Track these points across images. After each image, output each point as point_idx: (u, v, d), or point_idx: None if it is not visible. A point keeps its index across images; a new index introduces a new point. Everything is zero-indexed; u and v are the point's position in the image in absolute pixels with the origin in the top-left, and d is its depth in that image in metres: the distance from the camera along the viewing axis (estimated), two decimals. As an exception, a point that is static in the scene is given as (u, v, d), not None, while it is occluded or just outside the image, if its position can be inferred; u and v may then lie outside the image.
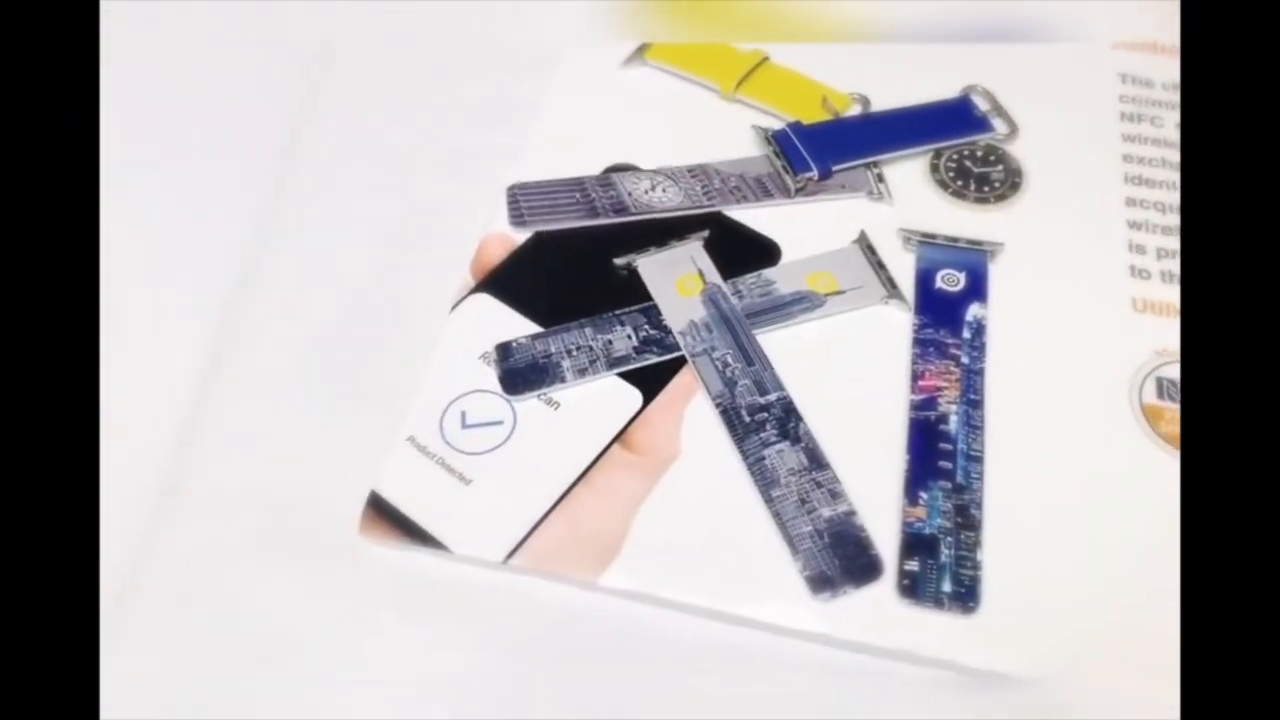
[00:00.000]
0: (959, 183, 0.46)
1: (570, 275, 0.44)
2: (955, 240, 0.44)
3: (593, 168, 0.47)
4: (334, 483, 0.39)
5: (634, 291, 0.44)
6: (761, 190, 0.46)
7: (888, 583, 0.36)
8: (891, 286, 0.43)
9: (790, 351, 0.41)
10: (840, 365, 0.41)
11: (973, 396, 0.40)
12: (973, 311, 0.42)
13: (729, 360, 0.41)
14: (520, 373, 0.41)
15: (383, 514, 0.39)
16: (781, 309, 0.42)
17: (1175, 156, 0.46)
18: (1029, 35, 0.50)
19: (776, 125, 0.48)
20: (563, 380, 0.41)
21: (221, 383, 0.42)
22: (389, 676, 0.36)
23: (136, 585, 0.38)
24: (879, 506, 0.37)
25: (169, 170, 0.48)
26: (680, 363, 0.41)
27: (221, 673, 0.36)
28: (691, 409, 0.40)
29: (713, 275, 0.44)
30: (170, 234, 0.46)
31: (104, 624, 0.36)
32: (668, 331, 0.42)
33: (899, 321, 0.42)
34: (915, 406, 0.40)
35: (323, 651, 0.37)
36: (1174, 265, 0.43)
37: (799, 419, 0.39)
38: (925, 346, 0.41)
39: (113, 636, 0.37)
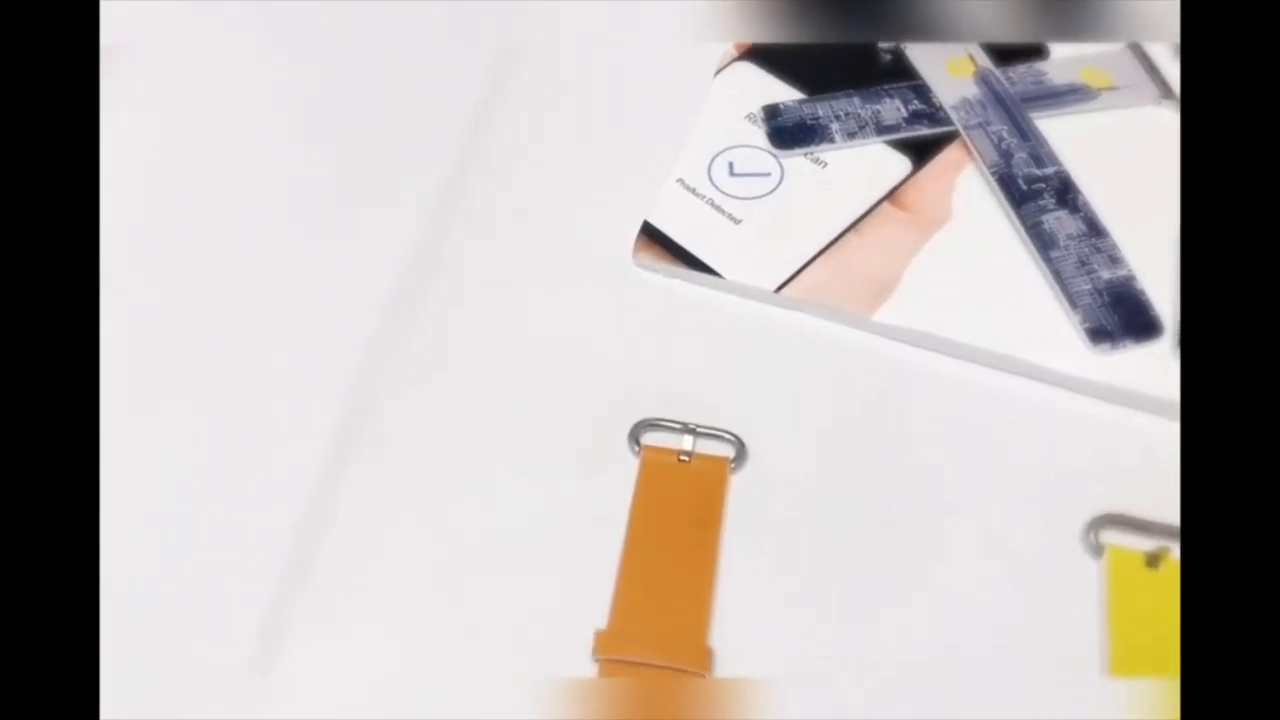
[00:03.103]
0: None
1: (831, 51, 0.45)
2: (1230, 54, 0.44)
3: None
4: (607, 214, 0.41)
5: (895, 75, 0.44)
6: (1029, -7, 0.46)
7: (1166, 342, 0.36)
8: (1165, 88, 0.43)
9: (1062, 140, 0.41)
10: (1112, 153, 0.41)
11: (1252, 191, 0.40)
12: (1249, 118, 0.42)
13: (1004, 135, 0.41)
14: (789, 130, 0.42)
15: (655, 241, 0.40)
16: (1054, 97, 0.42)
17: None
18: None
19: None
20: (831, 141, 0.42)
21: (504, 127, 0.44)
22: (659, 386, 0.37)
23: (422, 301, 0.39)
24: (1157, 277, 0.38)
25: None
26: (948, 139, 0.42)
27: (500, 373, 0.38)
28: (962, 178, 0.40)
29: (983, 60, 0.44)
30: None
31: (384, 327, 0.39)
32: (937, 108, 0.42)
33: (1170, 121, 0.42)
34: (1193, 193, 0.40)
35: (591, 360, 0.38)
36: None
37: (1077, 191, 0.39)
38: (1202, 143, 0.41)
39: (401, 330, 0.39)
